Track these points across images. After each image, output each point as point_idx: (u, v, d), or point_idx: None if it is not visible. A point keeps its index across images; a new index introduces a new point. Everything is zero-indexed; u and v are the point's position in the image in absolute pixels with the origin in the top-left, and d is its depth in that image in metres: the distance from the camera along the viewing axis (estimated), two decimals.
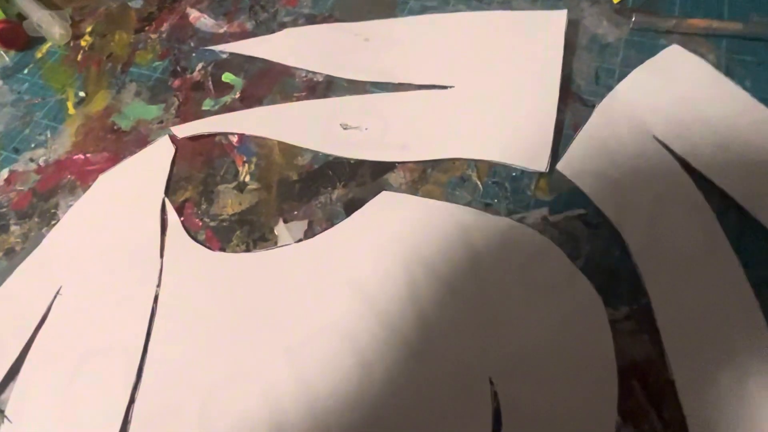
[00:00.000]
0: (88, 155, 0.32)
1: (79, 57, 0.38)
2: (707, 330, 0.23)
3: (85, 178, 0.32)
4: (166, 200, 0.30)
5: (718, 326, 0.23)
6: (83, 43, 0.38)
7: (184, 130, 0.32)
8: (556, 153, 0.29)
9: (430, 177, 0.29)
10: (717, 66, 0.31)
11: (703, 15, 0.33)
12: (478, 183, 0.28)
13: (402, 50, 0.34)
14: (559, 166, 0.28)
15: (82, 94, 0.35)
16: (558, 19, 0.33)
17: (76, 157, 0.33)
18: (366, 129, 0.31)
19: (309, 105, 0.32)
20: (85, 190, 0.31)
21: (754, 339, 0.22)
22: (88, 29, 0.39)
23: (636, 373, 0.22)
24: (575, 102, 0.31)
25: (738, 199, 0.26)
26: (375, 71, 0.33)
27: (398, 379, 0.23)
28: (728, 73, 0.31)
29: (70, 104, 0.35)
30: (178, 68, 0.36)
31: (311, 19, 0.37)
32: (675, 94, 0.30)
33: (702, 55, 0.31)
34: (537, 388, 0.22)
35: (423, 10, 0.36)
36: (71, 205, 0.30)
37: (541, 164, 0.28)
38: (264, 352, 0.25)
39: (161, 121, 0.33)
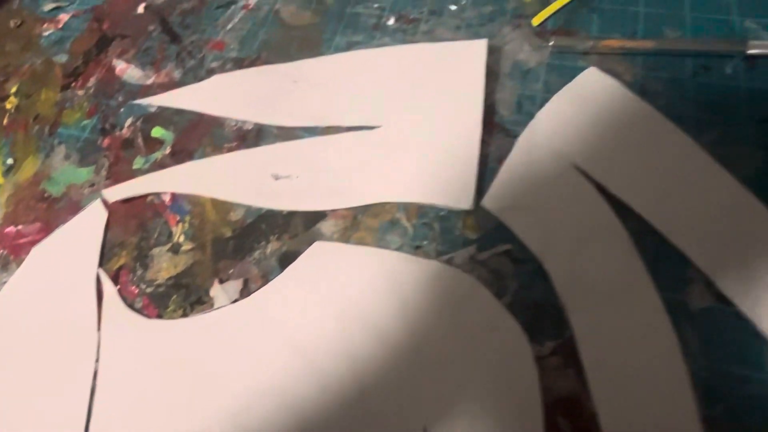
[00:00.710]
0: (20, 227, 0.32)
1: (5, 121, 0.37)
2: (626, 358, 0.24)
3: (17, 251, 0.31)
4: (101, 271, 0.29)
5: (636, 354, 0.24)
6: (8, 106, 0.37)
7: (114, 194, 0.32)
8: (482, 189, 0.29)
9: (361, 223, 0.29)
10: (633, 84, 0.32)
11: (620, 34, 0.34)
12: (408, 226, 0.29)
13: (329, 90, 0.34)
14: (484, 202, 0.29)
15: (10, 161, 0.35)
16: (479, 48, 0.33)
17: (7, 230, 0.32)
18: (297, 177, 0.31)
19: (239, 156, 0.32)
20: (18, 265, 0.31)
21: (671, 371, 0.23)
22: (13, 90, 0.38)
23: (562, 409, 0.23)
24: (500, 133, 0.31)
25: (653, 223, 0.27)
26: (304, 115, 0.33)
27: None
28: (644, 90, 0.31)
29: None
30: (107, 126, 0.35)
31: (239, 63, 0.37)
32: (591, 119, 0.30)
33: (620, 74, 0.32)
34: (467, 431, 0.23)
35: (349, 46, 0.37)
36: (5, 282, 0.30)
37: (467, 202, 0.29)
38: (207, 418, 0.25)
39: (92, 184, 0.33)
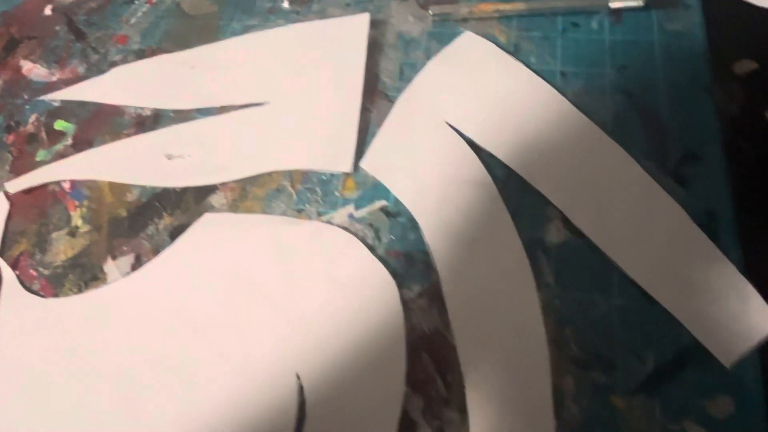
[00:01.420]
0: None
1: None
2: (484, 294, 0.25)
3: None
4: (0, 260, 0.31)
5: (493, 289, 0.25)
6: None
7: (16, 185, 0.33)
8: (362, 152, 0.31)
9: (249, 193, 0.31)
10: (507, 45, 0.33)
11: None
12: (292, 192, 0.30)
13: (223, 73, 0.36)
14: (362, 163, 0.30)
15: None
16: (361, 22, 0.35)
17: None
18: (189, 156, 0.32)
19: (135, 141, 0.34)
20: None
21: (525, 301, 0.25)
22: None
23: (426, 345, 0.25)
24: (382, 99, 0.33)
25: (517, 170, 0.29)
26: (199, 98, 0.35)
27: (218, 390, 0.25)
28: (517, 50, 0.33)
29: None
30: (12, 123, 0.36)
31: (140, 54, 0.38)
32: (465, 79, 0.32)
33: (495, 38, 0.34)
34: (336, 375, 0.24)
35: (245, 30, 0.38)
36: None
37: (346, 165, 0.30)
38: (102, 390, 0.26)
39: None
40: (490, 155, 0.29)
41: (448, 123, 0.30)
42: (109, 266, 0.29)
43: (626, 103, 0.30)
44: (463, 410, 0.23)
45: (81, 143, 0.35)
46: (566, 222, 0.27)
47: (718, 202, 0.26)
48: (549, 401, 0.22)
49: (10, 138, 0.36)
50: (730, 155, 0.27)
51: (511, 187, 0.28)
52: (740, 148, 0.28)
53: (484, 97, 0.31)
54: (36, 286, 0.30)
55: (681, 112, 0.29)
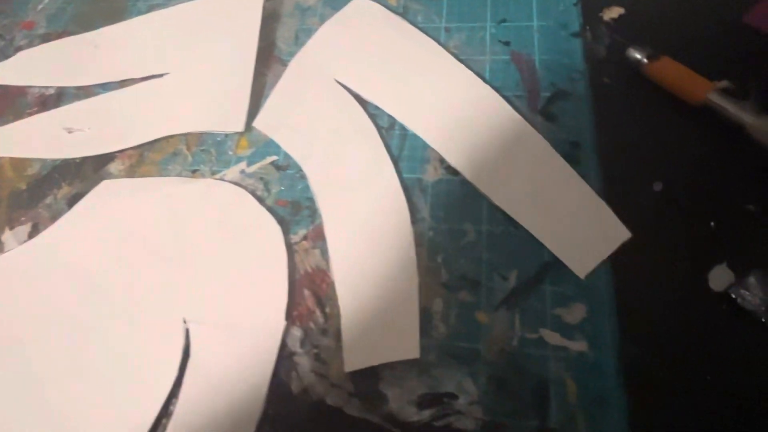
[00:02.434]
0: None
1: None
2: (364, 233, 0.26)
3: None
4: None
5: (373, 229, 0.26)
6: None
7: None
8: (256, 113, 0.32)
9: (147, 159, 0.31)
10: (397, 8, 0.35)
11: None
12: (188, 154, 0.31)
13: (126, 50, 0.36)
14: (255, 123, 0.31)
15: None
16: None
17: None
18: (89, 129, 0.33)
19: (37, 119, 0.34)
20: None
21: (400, 234, 0.26)
22: None
23: (307, 283, 0.26)
24: (276, 64, 0.34)
25: (399, 119, 0.30)
26: (101, 74, 0.35)
27: (109, 338, 0.26)
28: (405, 12, 0.34)
29: None
30: None
31: (46, 38, 0.39)
32: (355, 39, 0.33)
33: (385, 1, 0.35)
34: (219, 315, 0.25)
35: (150, 9, 0.39)
36: None
37: (239, 125, 0.31)
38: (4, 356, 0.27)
39: None
40: (376, 107, 0.31)
41: (337, 81, 0.32)
42: (6, 236, 0.30)
43: (503, 51, 0.31)
44: (339, 337, 0.24)
45: None
46: (443, 162, 0.28)
47: (581, 133, 0.28)
48: (416, 322, 0.23)
49: None
50: (596, 92, 0.29)
51: (394, 134, 0.29)
52: (604, 85, 0.30)
53: (372, 54, 0.32)
54: None
55: (552, 56, 0.31)
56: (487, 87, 0.30)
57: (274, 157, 0.30)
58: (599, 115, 0.28)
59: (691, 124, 0.27)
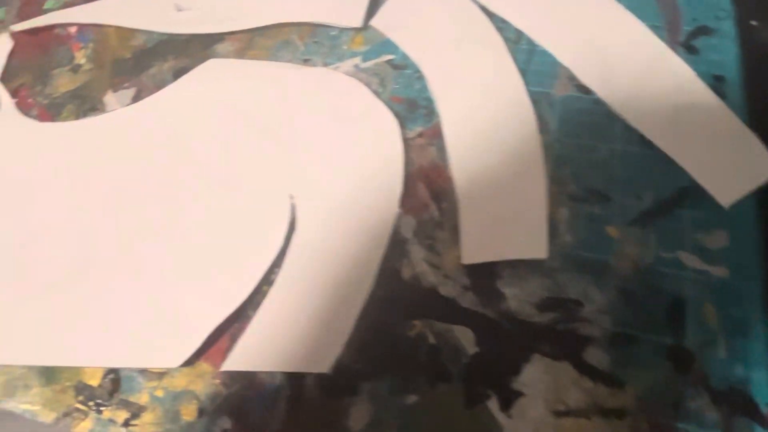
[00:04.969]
0: None
1: None
2: (487, 136, 0.25)
3: None
4: (0, 84, 0.30)
5: (497, 132, 0.25)
6: None
7: (23, 25, 0.33)
8: (373, 11, 0.31)
9: (256, 43, 0.30)
10: None
11: None
12: (300, 44, 0.30)
13: None
14: (373, 22, 0.30)
15: None
16: None
17: None
18: (199, 9, 0.32)
19: None
20: None
21: (526, 140, 0.25)
22: None
23: (423, 177, 0.25)
24: None
25: (527, 32, 0.28)
26: None
27: (208, 206, 0.25)
28: None
29: None
30: None
31: None
32: None
33: None
34: (329, 196, 0.24)
35: None
36: None
37: (357, 21, 0.30)
38: (96, 214, 0.26)
39: (1, 21, 0.34)
40: (503, 20, 0.29)
41: None
42: (109, 98, 0.29)
43: None
44: (454, 231, 0.23)
45: None
46: (572, 80, 0.26)
47: (726, 68, 0.26)
48: (544, 222, 0.22)
49: None
50: (743, 33, 0.27)
51: (521, 48, 0.28)
52: (752, 28, 0.28)
53: None
54: (33, 113, 0.29)
55: None
56: (623, 8, 0.28)
57: (391, 56, 0.29)
58: (746, 54, 0.26)
59: None
